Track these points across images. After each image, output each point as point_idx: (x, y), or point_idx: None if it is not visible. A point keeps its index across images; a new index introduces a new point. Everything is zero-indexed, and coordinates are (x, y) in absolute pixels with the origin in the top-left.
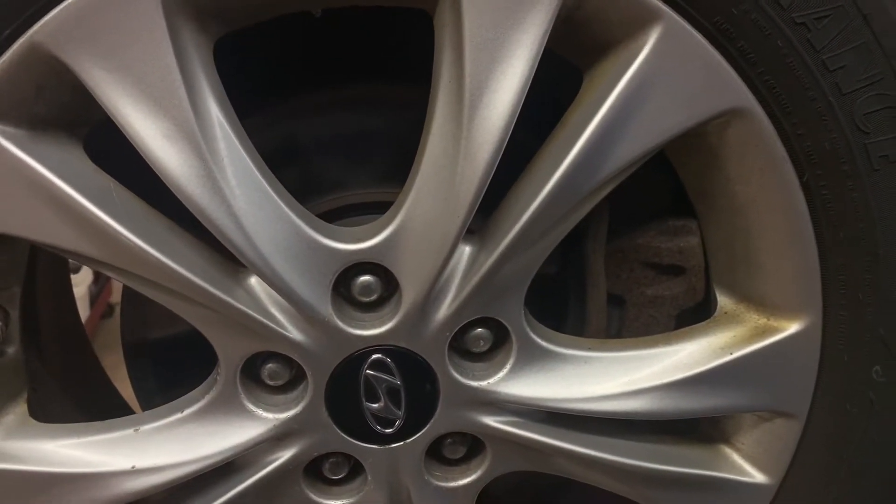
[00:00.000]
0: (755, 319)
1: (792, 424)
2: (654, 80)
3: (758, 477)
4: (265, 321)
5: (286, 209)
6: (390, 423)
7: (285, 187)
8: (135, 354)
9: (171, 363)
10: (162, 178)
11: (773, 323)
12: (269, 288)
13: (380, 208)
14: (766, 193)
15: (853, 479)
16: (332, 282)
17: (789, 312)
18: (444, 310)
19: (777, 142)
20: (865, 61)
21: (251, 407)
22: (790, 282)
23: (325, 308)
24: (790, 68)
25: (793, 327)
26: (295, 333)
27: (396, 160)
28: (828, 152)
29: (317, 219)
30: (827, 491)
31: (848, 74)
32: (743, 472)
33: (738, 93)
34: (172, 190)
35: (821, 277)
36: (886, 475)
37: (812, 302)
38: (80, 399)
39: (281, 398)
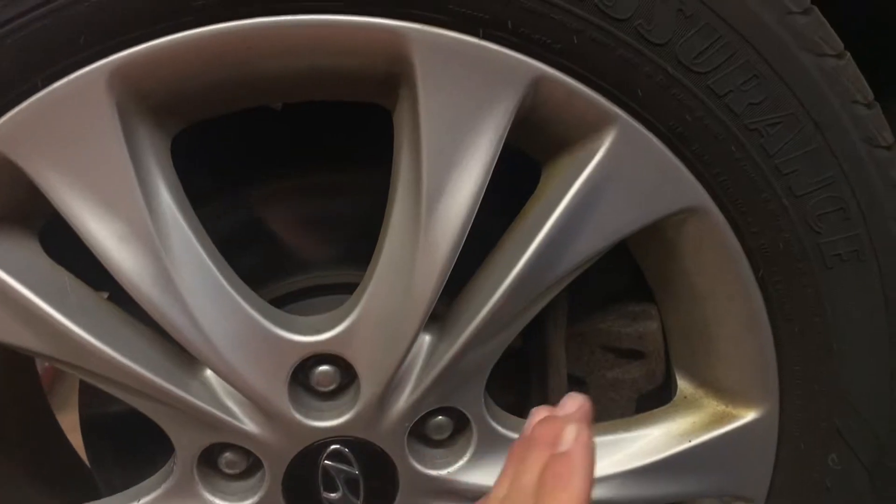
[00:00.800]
0: (714, 406)
1: None
2: (610, 179)
3: None
4: (220, 415)
5: (242, 302)
6: None
7: (245, 270)
8: (91, 433)
9: (129, 442)
10: (116, 278)
11: (732, 410)
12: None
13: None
14: (723, 286)
15: None
16: (290, 374)
17: (747, 400)
18: (403, 401)
19: (732, 238)
20: (817, 165)
21: (208, 496)
22: (748, 370)
23: (282, 401)
24: (744, 171)
25: (750, 415)
26: (251, 426)
27: (358, 243)
28: (782, 250)
29: (274, 309)
30: None
31: (800, 178)
32: None
33: (692, 192)
34: (127, 290)
35: (777, 367)
36: None
37: (769, 391)
38: (43, 480)
39: (239, 485)
